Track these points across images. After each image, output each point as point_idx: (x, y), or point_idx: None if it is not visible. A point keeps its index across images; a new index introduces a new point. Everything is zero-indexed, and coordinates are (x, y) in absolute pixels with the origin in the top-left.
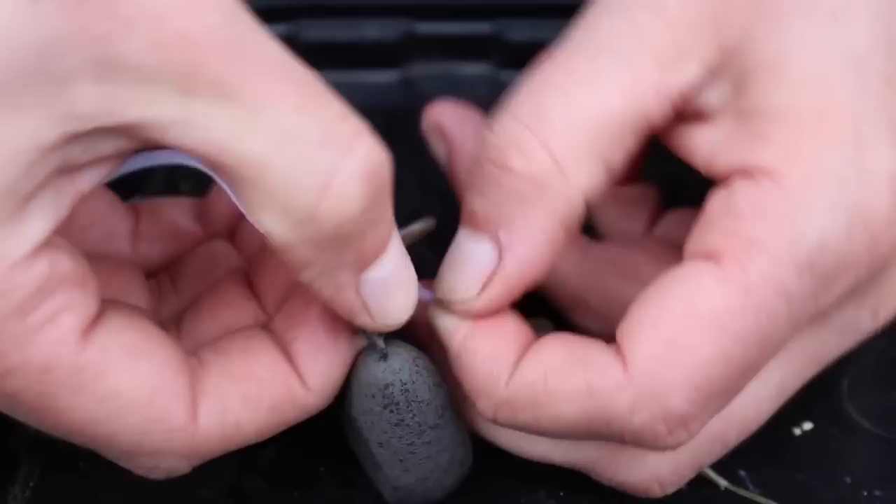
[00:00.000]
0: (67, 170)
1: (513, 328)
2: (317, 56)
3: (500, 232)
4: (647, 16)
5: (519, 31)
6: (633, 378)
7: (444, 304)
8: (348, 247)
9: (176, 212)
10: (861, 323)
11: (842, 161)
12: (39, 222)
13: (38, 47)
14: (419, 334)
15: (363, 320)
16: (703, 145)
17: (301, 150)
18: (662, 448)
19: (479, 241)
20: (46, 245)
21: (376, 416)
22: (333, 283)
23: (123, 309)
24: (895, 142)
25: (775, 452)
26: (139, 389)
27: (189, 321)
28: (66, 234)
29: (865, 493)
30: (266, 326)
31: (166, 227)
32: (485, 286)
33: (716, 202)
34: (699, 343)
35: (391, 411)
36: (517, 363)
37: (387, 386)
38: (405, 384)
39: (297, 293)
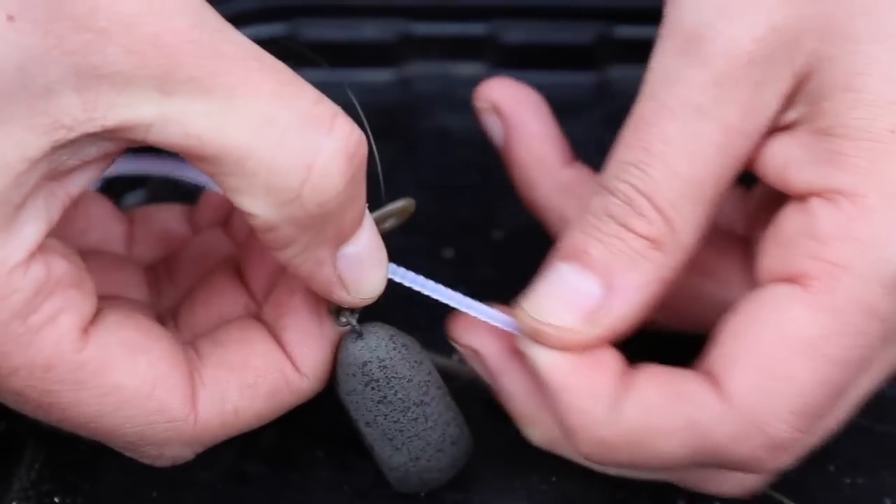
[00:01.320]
0: (56, 175)
1: (611, 364)
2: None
3: (615, 276)
4: (724, 62)
5: (513, 32)
6: (733, 410)
7: (530, 330)
8: (329, 224)
9: (167, 216)
10: None
11: None
12: (33, 228)
13: (18, 63)
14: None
15: (339, 295)
16: (777, 161)
17: (282, 133)
18: (764, 472)
19: (587, 278)
20: (42, 249)
21: (359, 395)
22: (313, 259)
23: (121, 306)
24: None
25: None
26: (139, 383)
27: (184, 312)
28: (64, 237)
29: (849, 481)
30: (257, 315)
31: (158, 231)
32: (590, 321)
33: (793, 222)
34: (797, 371)
35: (372, 388)
36: (616, 402)
37: (364, 364)
38: (382, 360)
39: (282, 281)
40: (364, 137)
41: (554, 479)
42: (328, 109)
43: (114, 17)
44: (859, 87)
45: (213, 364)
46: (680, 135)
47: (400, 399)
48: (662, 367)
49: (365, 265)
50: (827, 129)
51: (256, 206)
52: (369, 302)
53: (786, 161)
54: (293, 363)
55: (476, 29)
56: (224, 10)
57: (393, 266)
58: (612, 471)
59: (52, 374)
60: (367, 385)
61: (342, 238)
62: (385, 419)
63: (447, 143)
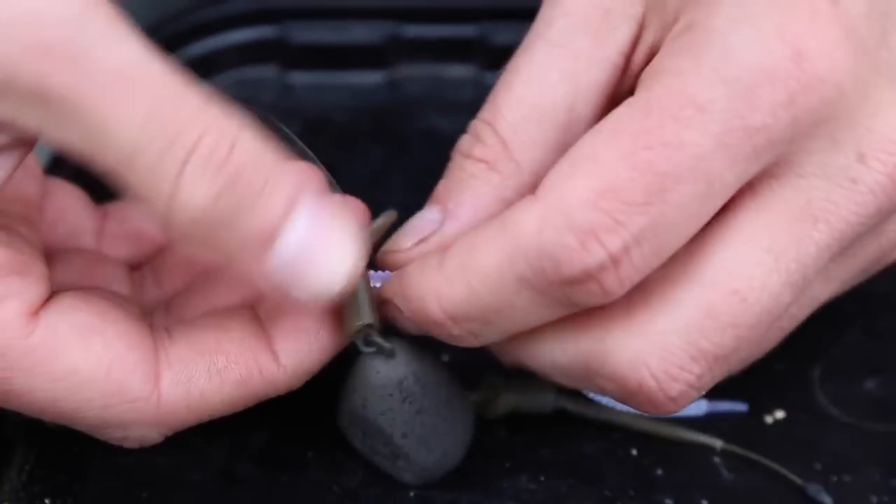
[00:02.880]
0: None
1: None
2: (305, 57)
3: (449, 202)
4: None
5: (503, 33)
6: (537, 198)
7: (379, 261)
8: (228, 231)
9: (143, 215)
10: (847, 168)
11: None
12: None
13: None
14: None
15: (296, 293)
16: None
17: (151, 159)
18: (581, 274)
19: (431, 209)
20: None
21: (396, 411)
22: (246, 264)
23: (78, 292)
24: None
25: (748, 439)
26: (94, 365)
27: (178, 303)
28: (32, 228)
29: (835, 479)
30: (253, 308)
31: (130, 229)
32: (422, 242)
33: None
34: (600, 152)
35: (409, 402)
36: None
37: (401, 381)
38: (416, 373)
39: None
40: (246, 139)
41: (542, 478)
42: (199, 124)
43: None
44: None
45: (181, 345)
46: (527, 65)
47: (434, 404)
48: None
49: (308, 259)
50: (675, 14)
51: (152, 218)
52: (332, 297)
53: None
54: (273, 352)
55: (466, 31)
56: (214, 12)
57: None
58: (530, 354)
59: (2, 360)
60: (404, 401)
61: (266, 238)
62: (422, 427)
63: (438, 145)
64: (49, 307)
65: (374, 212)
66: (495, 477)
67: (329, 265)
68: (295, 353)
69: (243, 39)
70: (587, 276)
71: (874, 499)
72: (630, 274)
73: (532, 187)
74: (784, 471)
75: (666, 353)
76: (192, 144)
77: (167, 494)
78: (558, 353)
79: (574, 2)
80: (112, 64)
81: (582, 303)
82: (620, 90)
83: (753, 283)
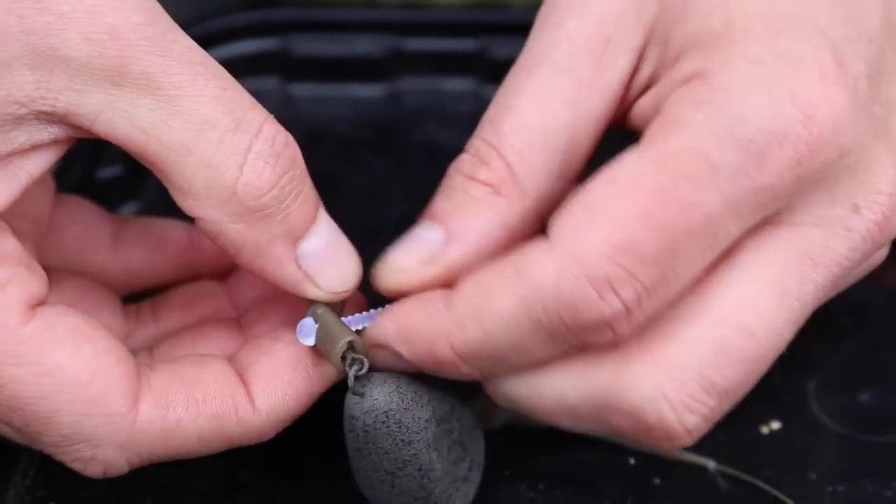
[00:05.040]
0: (11, 153)
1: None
2: (306, 69)
3: (455, 222)
4: (576, 22)
5: (502, 47)
6: (553, 247)
7: (377, 279)
8: (272, 219)
9: (167, 224)
10: (843, 218)
11: (756, 49)
12: None
13: None
14: None
15: (311, 291)
16: (647, 102)
17: (218, 135)
18: (597, 320)
19: (432, 228)
20: None
21: (436, 452)
22: (272, 259)
23: (73, 307)
24: (814, 30)
25: (744, 450)
26: (80, 368)
27: (165, 347)
28: (43, 229)
29: (830, 489)
30: (233, 360)
31: (152, 233)
32: (427, 262)
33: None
34: (615, 203)
35: (439, 426)
36: (450, 294)
37: (440, 417)
38: (394, 411)
39: (269, 331)
40: (292, 140)
41: (541, 486)
42: (259, 115)
43: (76, 3)
44: (691, 5)
45: (163, 373)
46: (532, 89)
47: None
48: None
49: (329, 258)
50: (677, 53)
51: (200, 206)
52: (344, 295)
53: (652, 100)
54: (249, 394)
55: (466, 45)
56: (216, 24)
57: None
58: (536, 399)
59: None
60: (438, 426)
61: (295, 234)
62: (444, 461)
63: (437, 157)
64: (46, 307)
65: (375, 221)
66: (494, 485)
67: (344, 264)
68: (270, 397)
69: (245, 51)
70: (603, 324)
71: None
72: (641, 320)
73: (535, 213)
74: (775, 491)
75: (683, 385)
76: (257, 130)
77: (170, 501)
78: (569, 391)
79: (577, 27)
80: (184, 49)
81: (594, 344)
82: (615, 118)
83: (762, 320)
